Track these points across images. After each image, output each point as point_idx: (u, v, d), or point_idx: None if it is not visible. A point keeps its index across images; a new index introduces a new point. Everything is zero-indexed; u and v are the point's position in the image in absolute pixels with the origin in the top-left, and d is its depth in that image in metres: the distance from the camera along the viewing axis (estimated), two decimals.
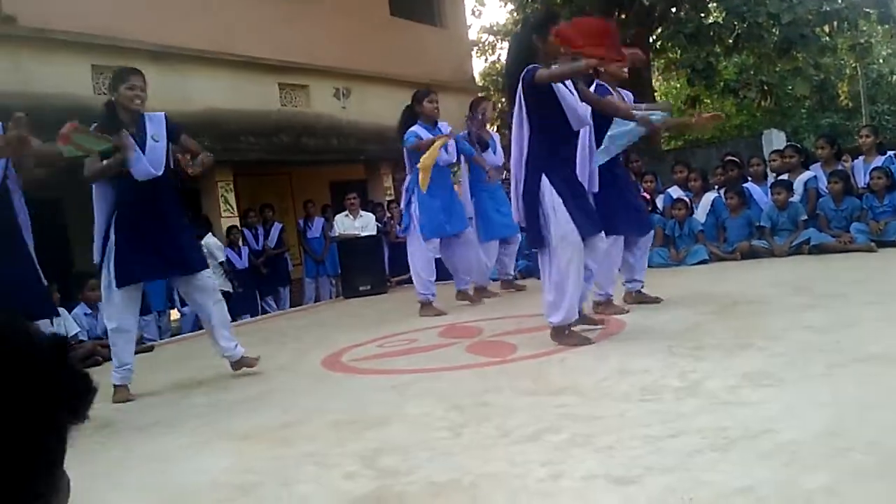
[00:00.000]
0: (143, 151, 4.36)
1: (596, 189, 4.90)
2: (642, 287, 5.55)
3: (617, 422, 2.82)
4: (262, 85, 10.56)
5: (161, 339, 8.31)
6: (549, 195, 4.28)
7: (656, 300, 5.45)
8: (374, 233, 9.78)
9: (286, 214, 12.10)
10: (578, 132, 4.55)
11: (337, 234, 9.90)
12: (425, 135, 6.38)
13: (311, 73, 11.32)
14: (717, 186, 8.75)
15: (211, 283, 4.72)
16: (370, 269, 9.33)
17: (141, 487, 2.90)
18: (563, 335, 4.36)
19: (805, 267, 6.63)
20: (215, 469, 2.94)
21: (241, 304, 9.34)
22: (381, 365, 4.68)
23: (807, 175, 8.07)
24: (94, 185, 4.47)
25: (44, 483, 0.62)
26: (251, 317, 9.13)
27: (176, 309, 9.56)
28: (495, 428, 2.96)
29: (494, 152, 7.26)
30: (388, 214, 10.79)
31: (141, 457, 3.29)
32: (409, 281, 10.14)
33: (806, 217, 7.66)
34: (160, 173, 4.40)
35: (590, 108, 4.58)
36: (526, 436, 2.80)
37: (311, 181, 13.04)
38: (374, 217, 10.08)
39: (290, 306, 10.11)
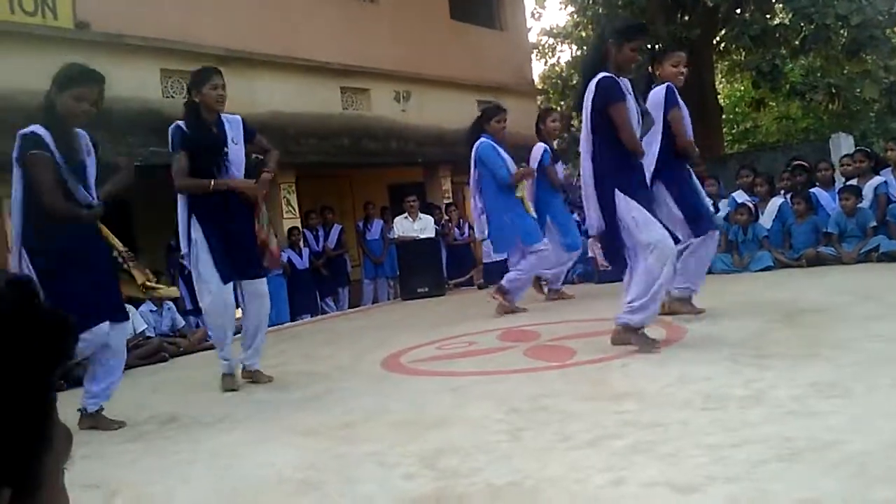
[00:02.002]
0: (227, 153, 4.43)
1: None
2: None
3: (679, 429, 2.79)
4: (325, 89, 10.71)
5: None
6: (626, 206, 4.19)
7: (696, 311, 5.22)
8: (433, 235, 9.83)
9: (346, 216, 12.24)
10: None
11: (396, 236, 9.99)
12: (502, 155, 6.56)
13: (372, 77, 11.45)
14: (783, 191, 8.56)
15: (265, 290, 4.77)
16: (428, 271, 9.39)
17: (208, 482, 2.98)
18: (636, 334, 4.28)
19: (874, 275, 6.45)
20: (280, 464, 3.01)
21: (301, 304, 9.50)
22: (439, 367, 4.72)
23: (877, 180, 7.85)
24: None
25: (32, 438, 0.57)
26: (311, 317, 9.27)
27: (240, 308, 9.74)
28: (554, 432, 2.96)
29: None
30: (446, 217, 10.83)
31: (207, 451, 3.37)
32: (467, 283, 10.22)
33: (875, 224, 7.45)
34: (241, 175, 4.48)
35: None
36: (586, 441, 2.79)
37: (371, 183, 13.17)
38: (432, 219, 10.14)
39: (349, 307, 10.23)
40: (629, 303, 4.27)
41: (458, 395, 3.85)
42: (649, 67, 5.47)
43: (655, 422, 2.92)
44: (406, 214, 10.02)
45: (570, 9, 18.58)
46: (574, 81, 17.76)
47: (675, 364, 3.87)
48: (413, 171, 13.34)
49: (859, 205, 7.54)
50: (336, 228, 10.54)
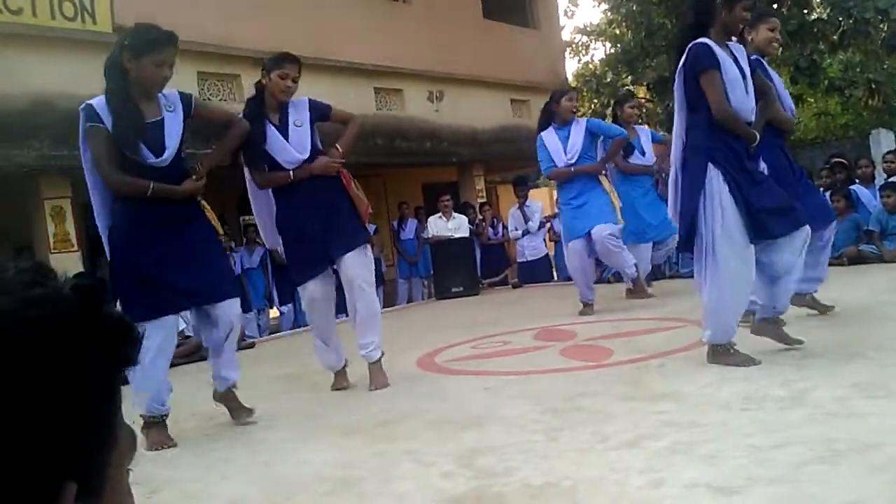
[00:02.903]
0: (287, 139, 4.21)
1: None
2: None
3: (719, 430, 2.77)
4: (359, 89, 10.76)
5: (261, 336, 8.58)
6: (717, 184, 3.71)
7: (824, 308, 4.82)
8: (467, 234, 9.84)
9: (380, 216, 12.29)
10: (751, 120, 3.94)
11: (430, 236, 10.01)
12: (553, 145, 6.34)
13: (405, 77, 11.47)
14: (823, 189, 8.43)
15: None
16: (462, 270, 9.41)
17: (248, 478, 3.01)
18: (720, 354, 3.81)
19: None
20: (318, 462, 3.04)
21: (337, 304, 9.54)
22: (475, 366, 4.72)
23: None
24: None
25: (95, 437, 0.59)
26: (346, 316, 9.31)
27: (275, 307, 9.84)
28: (592, 433, 2.95)
29: (643, 154, 7.02)
30: (480, 216, 10.83)
31: (246, 449, 3.42)
32: (501, 283, 10.21)
33: None
34: (306, 156, 4.23)
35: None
36: (624, 441, 2.78)
37: (404, 183, 13.21)
38: (466, 219, 10.14)
39: (384, 307, 10.26)
40: (704, 314, 3.89)
41: (494, 395, 3.85)
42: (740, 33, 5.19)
43: (694, 422, 2.90)
44: (440, 214, 10.03)
45: (604, 6, 18.42)
46: (608, 79, 17.65)
47: (713, 364, 3.83)
48: (447, 171, 13.35)
49: None
50: (370, 228, 10.55)
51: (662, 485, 2.32)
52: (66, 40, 7.55)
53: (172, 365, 3.86)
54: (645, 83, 16.32)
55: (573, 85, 16.44)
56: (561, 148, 6.32)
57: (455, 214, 10.07)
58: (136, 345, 0.64)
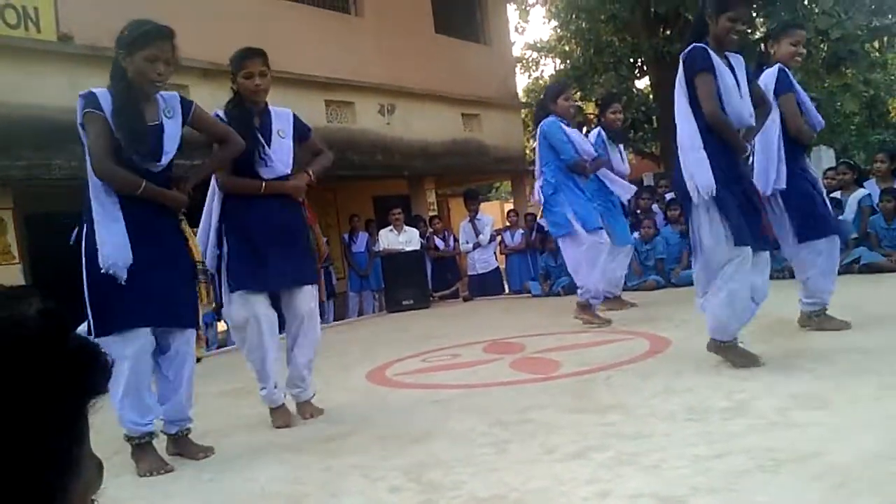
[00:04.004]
0: (269, 146, 3.88)
1: (783, 186, 4.49)
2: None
3: (663, 441, 2.81)
4: (310, 102, 10.71)
5: (209, 350, 8.44)
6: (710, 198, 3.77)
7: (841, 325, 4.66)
8: (418, 248, 9.84)
9: (330, 228, 12.23)
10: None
11: (381, 249, 9.99)
12: (571, 134, 6.10)
13: (356, 90, 11.46)
14: (829, 190, 8.59)
15: None
16: (413, 283, 9.40)
17: (193, 496, 2.96)
18: (724, 350, 3.92)
19: (855, 286, 6.50)
20: (265, 478, 3.00)
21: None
22: (424, 380, 4.72)
23: (861, 192, 7.94)
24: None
25: (57, 465, 0.58)
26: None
27: (223, 321, 9.69)
28: (540, 445, 2.97)
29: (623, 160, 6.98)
30: (431, 229, 10.85)
31: (191, 466, 3.36)
32: (452, 296, 10.23)
33: (856, 235, 7.53)
34: (288, 172, 3.94)
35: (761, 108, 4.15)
36: (571, 453, 2.81)
37: (355, 196, 13.18)
38: (417, 232, 10.15)
39: (334, 320, 10.21)
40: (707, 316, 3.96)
41: (443, 408, 3.85)
42: (762, 46, 4.99)
43: (639, 433, 2.94)
44: (391, 227, 10.03)
45: (554, 23, 18.71)
46: None
47: (658, 376, 3.89)
48: (398, 184, 13.36)
49: (841, 217, 7.61)
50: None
51: (608, 495, 2.34)
52: (8, 48, 7.38)
53: None
54: (593, 99, 16.57)
55: (524, 100, 16.62)
56: (581, 141, 6.18)
57: (406, 227, 10.06)
58: (105, 373, 0.63)
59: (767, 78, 4.58)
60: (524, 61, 20.53)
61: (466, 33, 14.10)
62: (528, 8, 19.19)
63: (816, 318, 4.64)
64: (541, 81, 20.26)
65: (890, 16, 13.92)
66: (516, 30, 21.84)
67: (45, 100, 7.37)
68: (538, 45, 20.54)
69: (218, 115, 3.86)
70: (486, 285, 10.14)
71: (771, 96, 4.46)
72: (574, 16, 16.82)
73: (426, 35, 12.88)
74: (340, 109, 11.43)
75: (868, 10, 13.69)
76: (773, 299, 4.66)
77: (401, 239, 9.86)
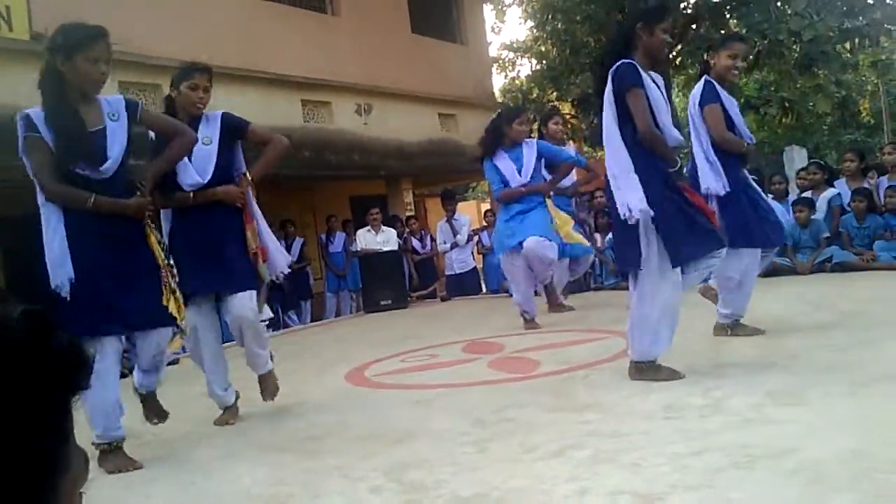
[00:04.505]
0: (189, 157, 3.84)
1: (722, 192, 4.52)
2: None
3: (642, 439, 2.84)
4: (287, 101, 10.68)
5: (185, 352, 8.38)
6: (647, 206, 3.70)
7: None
8: (396, 248, 9.84)
9: (307, 229, 12.20)
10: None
11: (359, 249, 9.98)
12: (506, 167, 6.24)
13: (333, 90, 11.43)
14: (801, 190, 8.71)
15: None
16: (391, 283, 9.40)
17: (173, 499, 2.95)
18: (645, 371, 3.85)
19: (827, 285, 6.61)
20: (246, 480, 3.00)
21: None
22: (404, 380, 4.73)
23: (831, 192, 8.07)
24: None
25: (45, 462, 0.59)
26: (274, 331, 9.19)
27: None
28: (520, 444, 2.99)
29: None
30: (407, 230, 10.86)
31: (172, 468, 3.34)
32: (430, 296, 10.25)
33: (828, 235, 7.65)
34: (205, 181, 3.89)
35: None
36: (551, 452, 2.83)
37: (333, 196, 13.15)
38: (395, 232, 10.15)
39: (312, 321, 10.18)
40: (629, 333, 3.94)
41: (423, 408, 3.86)
42: (704, 56, 5.01)
43: (618, 431, 2.98)
44: (369, 227, 10.02)
45: (530, 24, 18.76)
46: (534, 95, 17.95)
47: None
48: (375, 184, 13.35)
49: (813, 216, 7.73)
50: (298, 241, 10.48)
51: (588, 493, 2.37)
52: None
53: None
54: (570, 99, 16.67)
55: (500, 100, 16.67)
56: (514, 168, 6.24)
57: (384, 228, 10.06)
58: (88, 370, 0.63)
59: (695, 90, 4.72)
60: (500, 61, 20.57)
61: (443, 33, 14.11)
62: (504, 8, 19.27)
63: (731, 329, 4.74)
64: (517, 82, 20.33)
65: (861, 18, 14.12)
66: (493, 30, 21.97)
67: (18, 99, 7.26)
68: (514, 45, 20.59)
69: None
70: (464, 285, 10.17)
71: (696, 108, 4.59)
72: (550, 16, 16.89)
73: (403, 35, 12.88)
74: (317, 109, 11.40)
75: (840, 12, 13.89)
76: (752, 297, 4.73)
77: (378, 239, 9.85)
